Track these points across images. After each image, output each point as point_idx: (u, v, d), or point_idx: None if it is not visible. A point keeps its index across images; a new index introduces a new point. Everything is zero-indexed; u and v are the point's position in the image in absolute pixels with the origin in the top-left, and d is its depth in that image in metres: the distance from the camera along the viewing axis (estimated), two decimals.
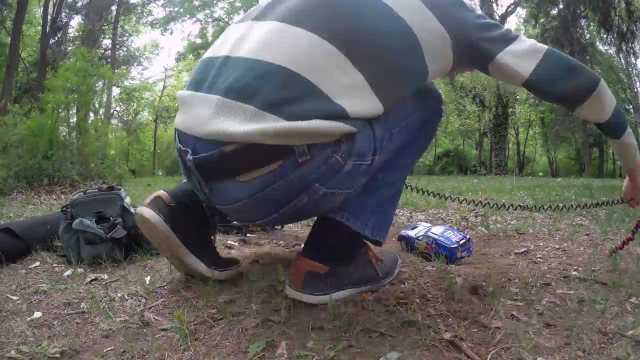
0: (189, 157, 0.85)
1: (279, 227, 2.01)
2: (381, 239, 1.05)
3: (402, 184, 1.10)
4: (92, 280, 1.20)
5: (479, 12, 1.01)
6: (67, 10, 14.95)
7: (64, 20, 15.01)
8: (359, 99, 0.80)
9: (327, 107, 0.77)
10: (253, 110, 0.76)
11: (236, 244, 1.69)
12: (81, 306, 1.00)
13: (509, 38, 0.96)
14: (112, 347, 0.80)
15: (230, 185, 0.85)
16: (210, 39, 14.27)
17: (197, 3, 13.59)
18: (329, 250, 1.00)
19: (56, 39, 14.61)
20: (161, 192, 1.05)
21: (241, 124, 0.75)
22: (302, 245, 1.07)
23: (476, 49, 0.95)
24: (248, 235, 1.82)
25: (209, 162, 0.83)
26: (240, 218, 1.02)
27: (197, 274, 1.07)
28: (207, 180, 0.87)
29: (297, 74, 0.77)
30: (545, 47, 0.97)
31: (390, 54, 0.85)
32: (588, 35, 16.15)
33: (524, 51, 0.95)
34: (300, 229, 2.07)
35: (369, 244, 1.08)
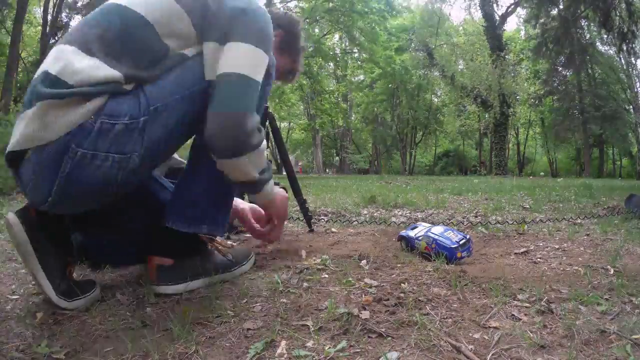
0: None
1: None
2: (217, 232, 1.12)
3: None
4: None
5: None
6: (67, 10, 14.94)
7: (64, 20, 15.00)
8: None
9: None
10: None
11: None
12: None
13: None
14: (112, 347, 0.80)
15: (23, 169, 0.89)
16: None
17: None
18: (170, 246, 1.10)
19: (56, 39, 14.60)
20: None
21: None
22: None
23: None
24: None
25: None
26: (52, 208, 0.92)
27: (45, 296, 0.98)
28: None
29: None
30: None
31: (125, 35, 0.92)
32: (588, 36, 16.14)
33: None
34: (300, 229, 2.07)
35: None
